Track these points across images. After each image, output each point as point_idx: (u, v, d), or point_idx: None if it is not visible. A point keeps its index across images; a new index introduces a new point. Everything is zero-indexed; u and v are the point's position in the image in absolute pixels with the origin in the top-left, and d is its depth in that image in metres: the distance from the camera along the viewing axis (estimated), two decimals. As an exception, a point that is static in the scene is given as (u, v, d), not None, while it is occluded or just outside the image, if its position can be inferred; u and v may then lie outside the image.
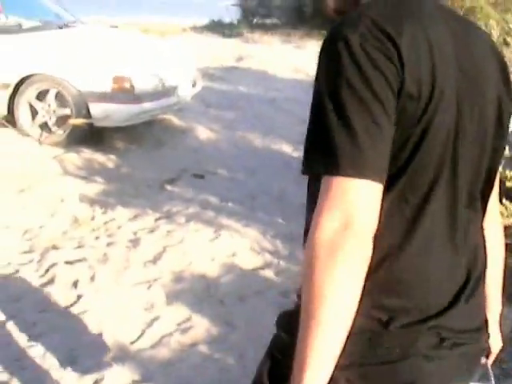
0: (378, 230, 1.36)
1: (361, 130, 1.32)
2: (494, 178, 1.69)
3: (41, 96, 7.70)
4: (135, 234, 5.56)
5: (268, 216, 6.13)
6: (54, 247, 5.26)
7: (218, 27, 19.67)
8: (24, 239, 5.42)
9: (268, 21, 20.92)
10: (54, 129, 7.69)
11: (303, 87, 10.92)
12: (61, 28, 8.83)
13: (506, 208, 4.34)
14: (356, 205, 1.32)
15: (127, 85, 7.47)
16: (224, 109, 9.88)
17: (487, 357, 1.80)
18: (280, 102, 10.48)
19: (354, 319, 1.34)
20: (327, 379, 1.33)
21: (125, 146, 7.96)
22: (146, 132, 8.32)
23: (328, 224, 1.32)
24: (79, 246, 5.31)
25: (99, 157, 7.45)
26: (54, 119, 7.67)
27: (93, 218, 5.85)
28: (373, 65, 1.33)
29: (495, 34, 6.60)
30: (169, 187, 6.74)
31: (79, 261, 5.05)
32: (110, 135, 8.00)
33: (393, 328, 1.47)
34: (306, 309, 1.34)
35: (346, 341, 1.34)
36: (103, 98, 7.46)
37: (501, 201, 1.98)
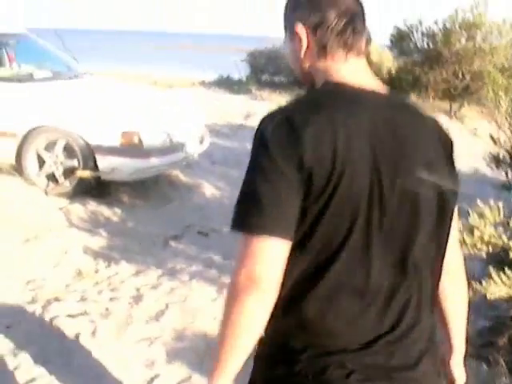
0: (292, 276, 1.78)
1: (264, 198, 1.71)
2: (442, 249, 2.00)
3: (49, 146, 7.79)
4: (138, 289, 5.60)
5: (271, 276, 6.17)
6: (57, 299, 5.30)
7: (226, 83, 19.93)
8: (27, 290, 5.47)
9: (277, 78, 21.17)
10: (60, 180, 7.77)
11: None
12: (71, 79, 8.98)
13: (509, 278, 4.40)
14: (258, 260, 1.72)
15: (136, 140, 7.55)
16: (230, 166, 9.96)
17: None
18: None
19: (278, 346, 1.87)
20: None
21: (131, 200, 8.04)
22: (152, 187, 8.42)
23: (237, 279, 1.73)
24: (82, 299, 5.35)
25: (105, 210, 7.54)
26: (61, 170, 7.76)
27: (96, 272, 5.90)
28: (279, 147, 1.72)
29: (504, 105, 6.68)
30: (173, 244, 6.80)
31: (81, 314, 5.08)
32: (116, 188, 8.10)
33: (304, 357, 1.83)
34: (219, 339, 1.79)
35: (273, 364, 1.89)
36: (111, 151, 7.56)
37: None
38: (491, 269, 4.30)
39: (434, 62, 17.29)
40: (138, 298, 5.42)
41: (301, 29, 1.92)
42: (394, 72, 20.00)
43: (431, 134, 1.97)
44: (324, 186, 1.71)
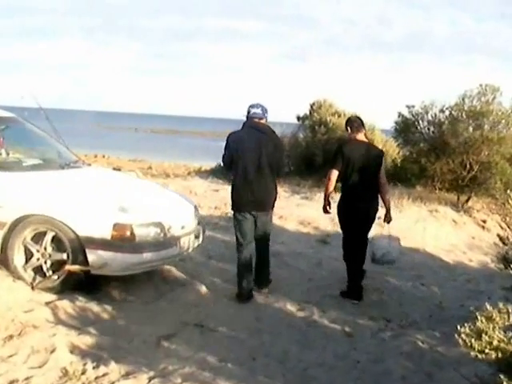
0: (344, 181, 9.33)
1: (334, 162, 9.22)
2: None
3: (37, 238, 7.81)
4: (128, 392, 5.58)
5: (269, 380, 6.16)
6: (41, 402, 5.28)
7: (224, 171, 20.06)
8: (9, 391, 5.43)
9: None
10: (48, 273, 7.79)
11: (309, 241, 11.11)
12: (62, 168, 9.00)
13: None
14: (330, 173, 9.24)
15: (128, 233, 7.59)
16: (226, 261, 10.00)
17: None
18: (284, 256, 10.70)
19: (343, 194, 9.47)
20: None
21: (121, 296, 8.04)
22: (145, 282, 8.43)
23: (327, 177, 9.35)
24: (68, 403, 5.33)
25: (94, 306, 7.51)
26: (49, 263, 7.79)
27: (84, 372, 5.82)
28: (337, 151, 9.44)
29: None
30: (165, 343, 6.77)
31: (66, 419, 5.08)
32: (106, 283, 8.11)
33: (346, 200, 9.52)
34: (324, 188, 9.62)
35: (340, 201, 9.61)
36: (102, 245, 7.55)
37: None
38: (502, 377, 4.24)
39: (440, 152, 17.37)
40: (127, 402, 5.40)
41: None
42: (398, 162, 19.94)
43: (375, 154, 9.44)
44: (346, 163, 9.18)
